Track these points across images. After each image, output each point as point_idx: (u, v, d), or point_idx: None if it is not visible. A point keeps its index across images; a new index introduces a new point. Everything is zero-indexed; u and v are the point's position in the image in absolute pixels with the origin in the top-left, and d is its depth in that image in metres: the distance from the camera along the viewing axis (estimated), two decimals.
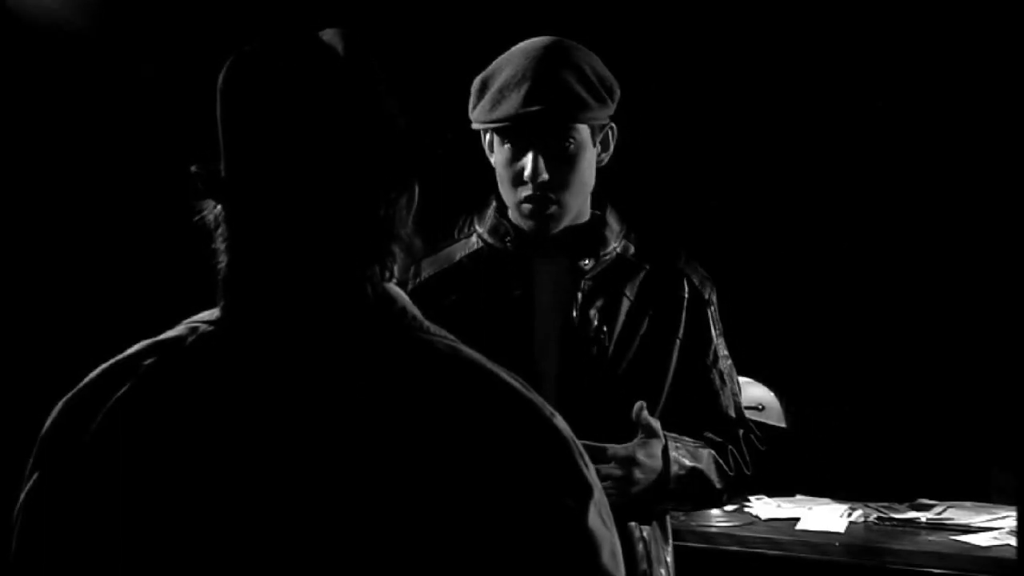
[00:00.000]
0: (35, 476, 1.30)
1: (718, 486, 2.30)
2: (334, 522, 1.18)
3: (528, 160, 2.19)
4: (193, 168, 1.28)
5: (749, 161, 4.48)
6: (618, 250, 2.30)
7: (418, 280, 2.29)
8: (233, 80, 1.26)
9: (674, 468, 2.20)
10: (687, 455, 2.24)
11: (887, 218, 4.40)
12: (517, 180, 2.22)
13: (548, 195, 2.21)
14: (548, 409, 1.26)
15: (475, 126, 2.26)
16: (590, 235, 2.31)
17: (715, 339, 2.35)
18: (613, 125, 2.30)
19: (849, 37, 4.27)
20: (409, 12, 4.04)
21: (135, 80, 4.03)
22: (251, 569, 1.20)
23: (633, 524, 2.27)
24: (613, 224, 2.33)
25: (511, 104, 2.17)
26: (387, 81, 1.28)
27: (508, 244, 2.28)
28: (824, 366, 4.43)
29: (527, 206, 2.22)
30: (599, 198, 2.34)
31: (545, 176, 2.18)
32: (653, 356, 2.27)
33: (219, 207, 1.29)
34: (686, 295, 2.32)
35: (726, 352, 2.38)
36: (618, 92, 2.28)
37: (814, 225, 4.48)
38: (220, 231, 1.28)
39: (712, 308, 2.35)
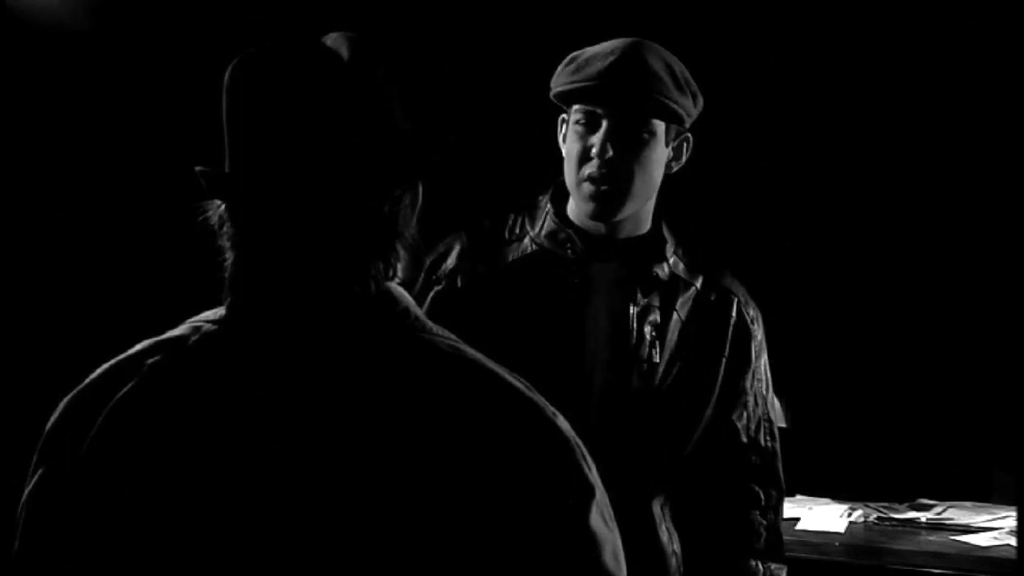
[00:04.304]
0: (38, 474, 1.30)
1: None
2: (336, 521, 1.19)
3: (599, 136, 2.15)
4: (197, 168, 1.28)
5: (747, 161, 4.48)
6: (669, 266, 2.26)
7: (471, 277, 2.23)
8: (238, 79, 1.26)
9: None
10: None
11: (887, 218, 4.39)
12: (584, 156, 2.17)
13: (612, 176, 2.16)
14: (550, 410, 1.26)
15: (554, 92, 2.22)
16: (650, 248, 2.26)
17: (754, 362, 2.31)
18: (690, 136, 2.26)
19: (852, 46, 4.27)
20: (412, 15, 4.04)
21: (137, 80, 4.03)
22: (253, 569, 1.20)
23: (658, 510, 2.26)
24: (669, 240, 2.29)
25: (594, 69, 2.15)
26: (391, 81, 1.28)
27: (569, 251, 2.22)
28: (824, 366, 4.43)
29: (588, 185, 2.17)
30: (658, 212, 2.29)
31: (611, 153, 2.14)
32: (699, 375, 2.24)
33: (223, 206, 1.29)
34: (733, 315, 2.29)
35: (766, 376, 2.34)
36: (701, 101, 2.24)
37: (813, 226, 4.48)
38: (224, 230, 1.29)
39: (756, 328, 2.32)
